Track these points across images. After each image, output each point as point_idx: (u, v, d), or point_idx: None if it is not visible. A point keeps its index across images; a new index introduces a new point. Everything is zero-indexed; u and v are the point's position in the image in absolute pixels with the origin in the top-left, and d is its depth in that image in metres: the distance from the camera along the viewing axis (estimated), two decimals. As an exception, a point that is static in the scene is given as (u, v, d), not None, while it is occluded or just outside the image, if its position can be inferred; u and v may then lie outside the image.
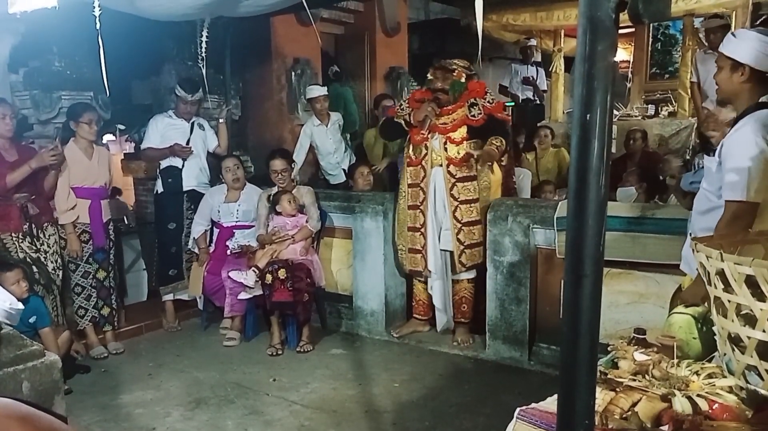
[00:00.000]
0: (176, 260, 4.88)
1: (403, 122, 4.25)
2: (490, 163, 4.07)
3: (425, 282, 4.37)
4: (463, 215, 4.07)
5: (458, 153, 4.05)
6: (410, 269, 4.34)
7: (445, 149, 4.06)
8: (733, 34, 2.38)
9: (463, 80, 4.05)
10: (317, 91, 5.55)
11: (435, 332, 4.44)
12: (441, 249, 4.18)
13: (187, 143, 4.80)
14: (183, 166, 4.82)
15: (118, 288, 4.67)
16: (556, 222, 3.80)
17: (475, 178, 4.07)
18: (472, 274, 4.24)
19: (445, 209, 4.10)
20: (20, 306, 3.16)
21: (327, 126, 5.53)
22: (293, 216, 4.53)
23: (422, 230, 4.19)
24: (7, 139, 3.98)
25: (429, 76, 4.17)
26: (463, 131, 4.04)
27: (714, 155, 2.36)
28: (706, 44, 6.18)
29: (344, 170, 5.60)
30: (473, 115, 4.01)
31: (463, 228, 4.08)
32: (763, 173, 2.18)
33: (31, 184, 4.03)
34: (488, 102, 4.06)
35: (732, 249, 1.49)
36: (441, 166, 4.08)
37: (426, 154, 4.11)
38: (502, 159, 4.22)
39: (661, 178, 4.83)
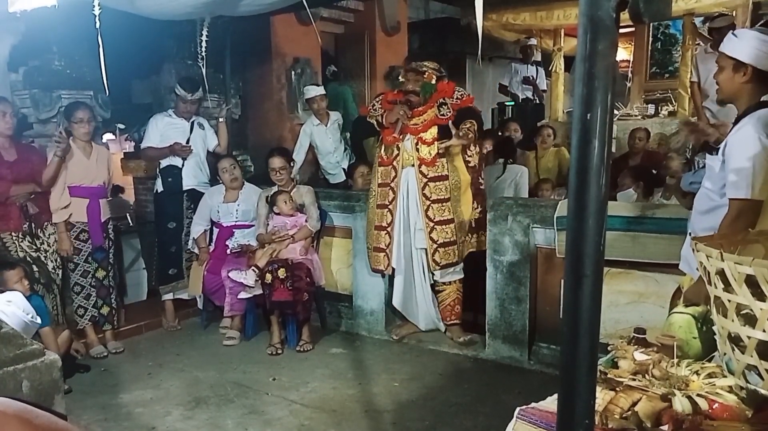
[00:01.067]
0: (176, 259, 4.88)
1: (375, 122, 4.30)
2: (465, 143, 4.08)
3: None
4: (435, 214, 4.11)
5: (429, 153, 4.10)
6: (373, 268, 4.39)
7: (417, 149, 4.11)
8: (734, 33, 2.37)
9: (433, 82, 4.11)
10: (314, 90, 5.55)
11: (436, 332, 4.44)
12: (417, 248, 4.23)
13: (187, 142, 4.80)
14: (183, 165, 4.82)
15: (118, 288, 4.66)
16: (556, 221, 3.79)
17: (447, 178, 4.11)
18: (458, 275, 4.28)
19: (418, 208, 4.14)
20: (39, 320, 3.19)
21: (326, 125, 5.54)
22: (292, 215, 4.53)
23: (388, 229, 4.23)
24: (7, 137, 3.98)
25: (400, 78, 4.26)
26: (434, 131, 4.09)
27: (717, 154, 2.36)
28: (710, 42, 6.17)
29: (344, 169, 5.61)
30: (442, 114, 4.08)
31: (435, 227, 4.11)
32: (766, 171, 2.18)
33: (30, 180, 4.03)
34: (457, 99, 4.12)
35: (732, 249, 1.49)
36: (413, 166, 4.13)
37: (398, 155, 4.16)
38: (470, 157, 4.20)
39: (654, 171, 4.82)
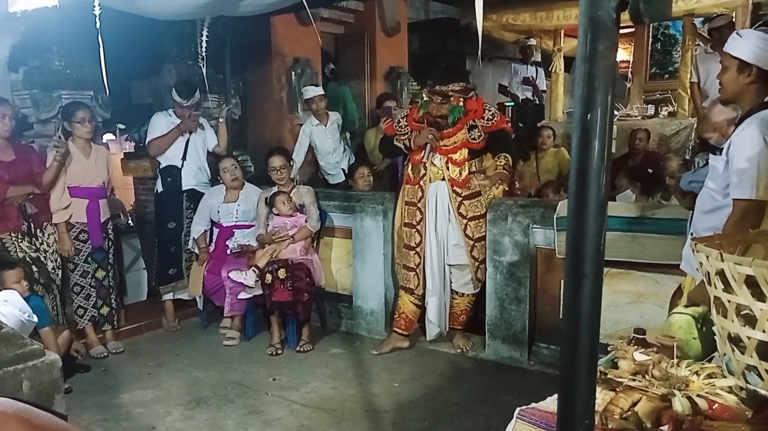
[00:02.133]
0: (176, 259, 4.88)
1: (402, 146, 4.20)
2: (501, 183, 4.05)
3: (414, 295, 4.27)
4: (473, 232, 4.06)
5: (461, 174, 4.02)
6: (403, 285, 4.32)
7: (447, 168, 4.03)
8: (738, 34, 2.36)
9: (461, 104, 3.97)
10: (313, 91, 5.55)
11: (417, 345, 4.37)
12: (448, 265, 4.16)
13: (187, 143, 4.80)
14: (182, 165, 4.82)
15: (118, 288, 4.66)
16: (556, 222, 3.80)
17: (480, 194, 4.06)
18: (476, 289, 4.23)
19: (450, 223, 4.07)
20: (35, 319, 3.19)
21: (326, 126, 5.53)
22: (291, 216, 4.52)
23: (417, 249, 4.17)
24: (4, 139, 3.98)
25: (425, 97, 4.12)
26: (464, 152, 4.00)
27: (720, 154, 2.36)
28: (710, 42, 6.18)
29: (343, 170, 5.60)
30: (473, 138, 3.98)
31: (475, 244, 4.07)
32: None
33: (28, 181, 4.03)
34: (488, 120, 3.99)
35: (732, 249, 1.49)
36: (443, 179, 4.03)
37: (425, 174, 4.08)
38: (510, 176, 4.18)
39: (650, 171, 4.82)
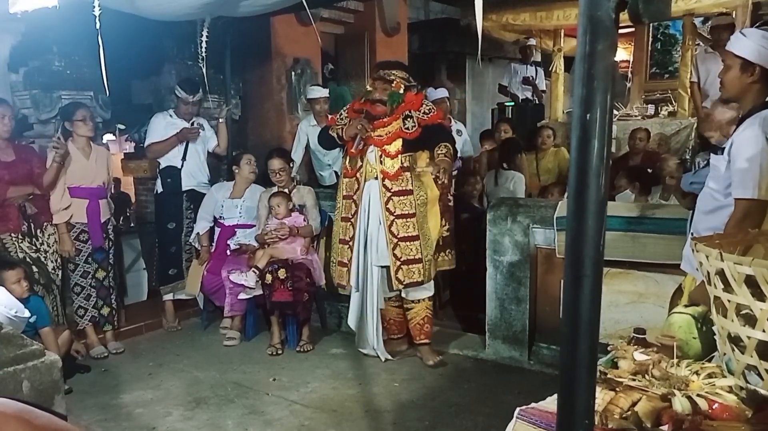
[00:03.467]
0: (176, 260, 4.89)
1: (335, 135, 4.13)
2: (446, 170, 3.86)
3: (396, 301, 4.15)
4: (399, 230, 3.89)
5: (393, 166, 3.92)
6: (337, 283, 4.19)
7: (381, 162, 3.93)
8: (742, 33, 2.36)
9: (401, 91, 3.90)
10: (318, 92, 5.53)
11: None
12: (376, 265, 4.01)
13: (187, 143, 4.81)
14: (182, 166, 4.83)
15: (118, 288, 4.67)
16: (555, 222, 3.80)
17: (411, 193, 3.90)
18: (428, 292, 4.07)
19: (380, 223, 3.94)
20: (26, 314, 3.17)
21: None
22: (287, 217, 4.50)
23: (350, 243, 4.04)
24: (4, 139, 3.98)
25: (368, 87, 4.07)
26: (398, 144, 3.91)
27: (722, 153, 2.35)
28: (710, 42, 6.18)
29: (335, 172, 5.57)
30: (407, 128, 3.89)
31: (399, 243, 3.89)
32: None
33: (28, 182, 4.03)
34: (424, 113, 3.91)
35: (732, 249, 1.49)
36: (376, 178, 3.94)
37: (361, 166, 3.99)
38: (439, 172, 3.92)
39: (650, 171, 4.82)
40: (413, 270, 3.92)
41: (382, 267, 4.02)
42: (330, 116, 4.55)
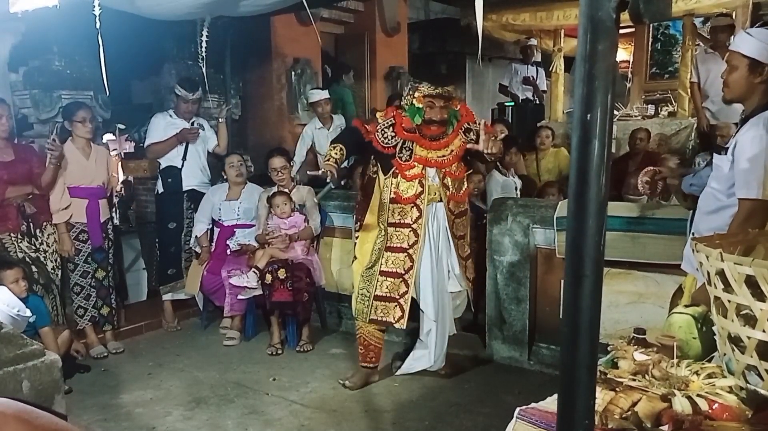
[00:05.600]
0: (175, 260, 4.89)
1: (378, 152, 3.65)
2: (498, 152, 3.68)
3: (381, 326, 3.79)
4: (462, 251, 3.76)
5: (460, 188, 3.68)
6: (375, 318, 3.69)
7: (444, 185, 3.64)
8: (749, 33, 2.34)
9: (457, 107, 3.66)
10: (319, 94, 5.54)
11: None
12: (450, 292, 3.77)
13: (187, 143, 4.80)
14: (182, 166, 4.83)
15: (118, 288, 4.66)
16: (556, 222, 3.80)
17: (467, 212, 3.79)
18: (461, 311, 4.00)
19: (450, 249, 3.72)
20: (28, 313, 3.17)
21: (329, 129, 5.54)
22: (289, 217, 4.51)
23: (405, 276, 3.64)
24: (3, 139, 3.98)
25: (416, 103, 3.55)
26: (461, 163, 3.70)
27: (725, 153, 2.35)
28: (710, 43, 6.18)
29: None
30: (471, 140, 3.61)
31: (466, 263, 3.79)
32: None
33: (27, 182, 4.03)
34: (477, 124, 3.66)
35: (732, 250, 1.49)
36: (440, 201, 3.65)
37: (422, 192, 3.61)
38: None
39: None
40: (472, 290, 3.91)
41: (454, 292, 3.80)
42: (368, 125, 3.91)
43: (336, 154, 3.60)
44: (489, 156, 3.62)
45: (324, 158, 3.69)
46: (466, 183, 3.75)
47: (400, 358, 4.06)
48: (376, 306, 3.68)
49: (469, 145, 3.62)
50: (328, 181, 3.50)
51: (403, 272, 3.65)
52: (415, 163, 3.61)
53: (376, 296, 3.67)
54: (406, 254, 3.64)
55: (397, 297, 3.65)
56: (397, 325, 3.68)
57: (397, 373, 3.92)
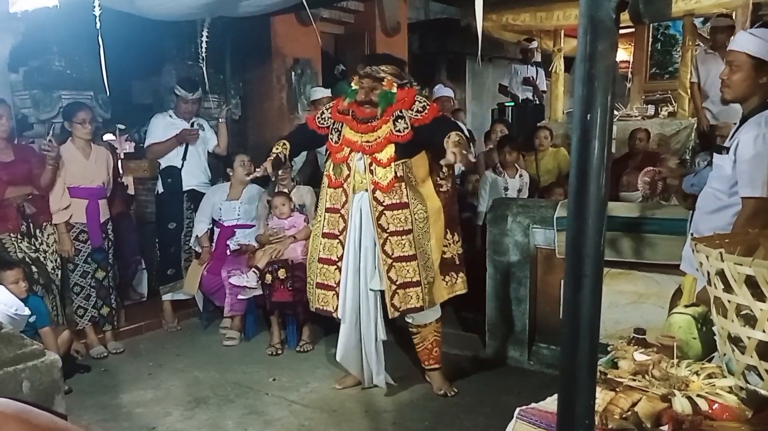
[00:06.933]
0: (175, 260, 4.89)
1: (315, 133, 3.62)
2: (464, 153, 3.07)
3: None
4: (393, 249, 3.39)
5: (386, 176, 3.39)
6: (317, 307, 3.59)
7: (371, 171, 3.41)
8: (753, 33, 2.33)
9: (394, 90, 3.39)
10: (321, 92, 5.53)
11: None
12: (371, 289, 3.50)
13: (187, 144, 4.80)
14: (182, 166, 4.83)
15: (118, 288, 4.67)
16: (556, 222, 3.80)
17: (407, 206, 3.40)
18: (435, 314, 3.60)
19: (374, 242, 3.44)
20: (26, 312, 3.17)
21: None
22: (290, 217, 4.51)
23: (339, 263, 3.48)
24: (3, 139, 3.98)
25: (353, 86, 3.49)
26: (390, 151, 3.39)
27: (727, 153, 2.35)
28: (709, 42, 6.18)
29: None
30: (398, 131, 3.36)
31: (394, 264, 3.39)
32: None
33: (27, 182, 4.03)
34: (417, 112, 3.37)
35: (732, 250, 1.49)
36: (366, 190, 3.44)
37: (348, 175, 3.46)
38: (442, 179, 3.56)
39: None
40: (410, 295, 3.40)
41: (377, 291, 3.51)
42: (308, 115, 4.01)
43: (277, 148, 3.62)
44: (449, 167, 3.42)
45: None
46: (396, 172, 3.39)
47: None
48: (317, 295, 3.58)
49: (397, 134, 3.37)
50: (260, 174, 3.50)
51: (336, 259, 3.51)
52: (343, 146, 3.48)
53: (317, 284, 3.57)
54: (337, 240, 3.52)
55: (334, 285, 3.51)
56: (336, 315, 3.53)
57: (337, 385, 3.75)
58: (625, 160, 5.63)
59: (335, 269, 3.51)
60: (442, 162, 3.15)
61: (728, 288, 1.37)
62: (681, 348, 1.70)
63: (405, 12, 7.54)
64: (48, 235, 4.15)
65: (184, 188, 4.85)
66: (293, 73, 6.19)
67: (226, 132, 5.05)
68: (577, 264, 1.01)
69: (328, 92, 5.55)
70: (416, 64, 7.56)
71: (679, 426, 1.36)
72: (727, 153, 2.34)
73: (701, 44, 6.80)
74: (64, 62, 4.66)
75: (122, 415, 3.50)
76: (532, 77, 7.79)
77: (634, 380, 1.55)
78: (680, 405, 1.41)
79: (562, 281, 1.05)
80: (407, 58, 7.45)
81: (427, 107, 3.42)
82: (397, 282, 3.40)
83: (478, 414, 3.39)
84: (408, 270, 3.40)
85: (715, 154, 2.47)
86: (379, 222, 3.41)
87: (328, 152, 3.63)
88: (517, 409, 1.54)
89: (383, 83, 3.39)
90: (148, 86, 5.63)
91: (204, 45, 4.38)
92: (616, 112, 6.72)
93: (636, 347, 1.73)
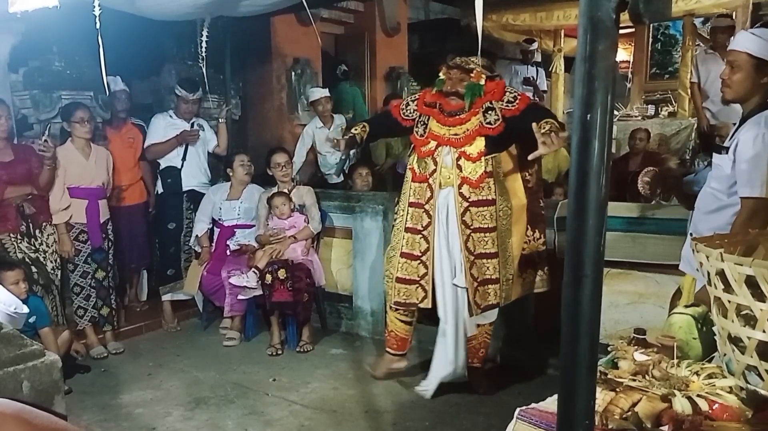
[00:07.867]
0: (174, 260, 4.89)
1: (389, 123, 3.69)
2: (558, 147, 3.18)
3: (406, 313, 3.66)
4: (476, 246, 3.36)
5: (475, 171, 3.33)
6: (399, 301, 3.55)
7: (459, 167, 3.36)
8: (753, 33, 2.32)
9: (482, 83, 3.33)
10: (319, 93, 5.53)
11: (434, 329, 3.68)
12: (454, 285, 3.46)
13: (187, 144, 4.81)
14: (182, 166, 4.83)
15: (118, 288, 4.67)
16: (555, 222, 3.80)
17: (494, 203, 3.35)
18: (492, 317, 3.57)
19: (459, 239, 3.40)
20: (25, 310, 3.16)
21: (330, 129, 5.53)
22: (290, 217, 4.52)
23: (422, 258, 3.47)
24: (3, 139, 3.98)
25: (441, 76, 3.43)
26: (480, 144, 3.32)
27: (726, 153, 2.35)
28: (709, 42, 6.18)
29: (343, 171, 5.59)
30: (489, 123, 3.30)
31: (476, 261, 3.37)
32: None
33: (27, 182, 4.03)
34: (508, 103, 3.31)
35: (732, 250, 1.49)
36: (453, 186, 3.38)
37: (435, 170, 3.41)
38: (530, 175, 3.50)
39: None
40: (489, 292, 3.39)
41: (463, 288, 3.45)
42: (394, 102, 3.95)
43: (356, 129, 3.66)
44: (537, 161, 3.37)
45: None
46: (486, 167, 3.33)
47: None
48: (398, 290, 3.55)
49: (488, 126, 3.30)
50: (332, 147, 3.67)
51: (420, 254, 3.49)
52: (429, 140, 3.43)
53: (398, 278, 3.54)
54: (421, 236, 3.48)
55: (418, 278, 3.50)
56: (422, 305, 3.51)
57: (419, 388, 3.59)
58: (626, 160, 5.64)
59: (418, 263, 3.49)
60: (530, 157, 3.12)
61: (728, 289, 1.37)
62: (681, 349, 1.70)
63: (405, 12, 7.54)
64: (48, 235, 4.15)
65: (184, 188, 4.85)
66: (293, 73, 6.19)
67: (226, 132, 5.05)
68: (577, 265, 1.01)
69: (326, 92, 5.55)
70: (416, 64, 7.56)
71: (679, 427, 1.36)
72: (727, 153, 2.34)
73: (701, 44, 6.81)
74: (64, 62, 4.66)
75: (122, 415, 3.50)
76: (533, 77, 7.80)
77: (634, 380, 1.55)
78: (680, 405, 1.41)
79: (562, 281, 1.05)
80: (407, 58, 7.47)
81: (519, 97, 3.36)
82: (478, 280, 3.39)
83: (478, 414, 3.39)
84: (488, 268, 3.39)
85: (714, 154, 2.47)
86: (463, 218, 3.37)
87: (412, 146, 3.61)
88: (517, 409, 1.54)
89: (471, 75, 3.34)
90: (148, 86, 5.62)
91: (204, 45, 4.38)
92: (616, 112, 6.72)
93: (636, 347, 1.72)
